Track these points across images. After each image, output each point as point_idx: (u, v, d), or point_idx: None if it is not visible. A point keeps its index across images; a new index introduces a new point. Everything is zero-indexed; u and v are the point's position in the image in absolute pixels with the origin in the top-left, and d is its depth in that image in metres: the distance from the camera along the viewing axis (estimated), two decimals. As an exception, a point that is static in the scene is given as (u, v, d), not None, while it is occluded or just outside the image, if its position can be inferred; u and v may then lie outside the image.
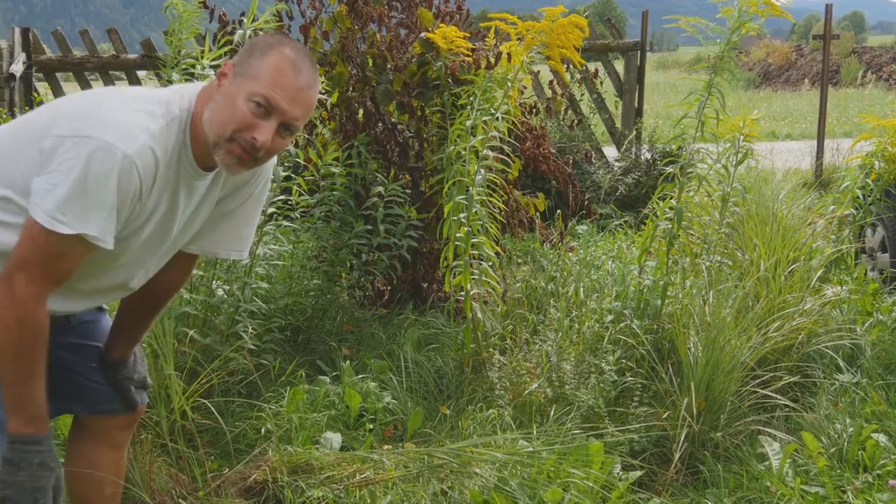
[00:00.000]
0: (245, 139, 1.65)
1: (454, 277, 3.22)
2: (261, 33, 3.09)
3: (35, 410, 1.65)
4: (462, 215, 3.13)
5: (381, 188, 3.71)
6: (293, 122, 1.68)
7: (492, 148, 3.22)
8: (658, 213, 3.36)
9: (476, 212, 3.14)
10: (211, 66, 3.02)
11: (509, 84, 3.21)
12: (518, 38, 3.31)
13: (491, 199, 3.26)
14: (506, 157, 3.43)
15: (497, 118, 3.17)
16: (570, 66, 7.22)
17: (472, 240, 3.14)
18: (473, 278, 3.19)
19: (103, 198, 1.57)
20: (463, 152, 3.15)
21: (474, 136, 3.15)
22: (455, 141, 3.19)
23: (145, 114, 1.64)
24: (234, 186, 1.88)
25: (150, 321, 2.02)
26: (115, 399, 1.98)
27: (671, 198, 3.31)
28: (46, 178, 1.57)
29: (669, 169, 3.39)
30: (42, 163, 1.60)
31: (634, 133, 7.17)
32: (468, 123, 3.18)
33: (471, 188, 3.14)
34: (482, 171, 3.17)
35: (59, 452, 2.07)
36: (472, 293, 3.18)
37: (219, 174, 1.81)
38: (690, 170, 3.31)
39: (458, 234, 3.14)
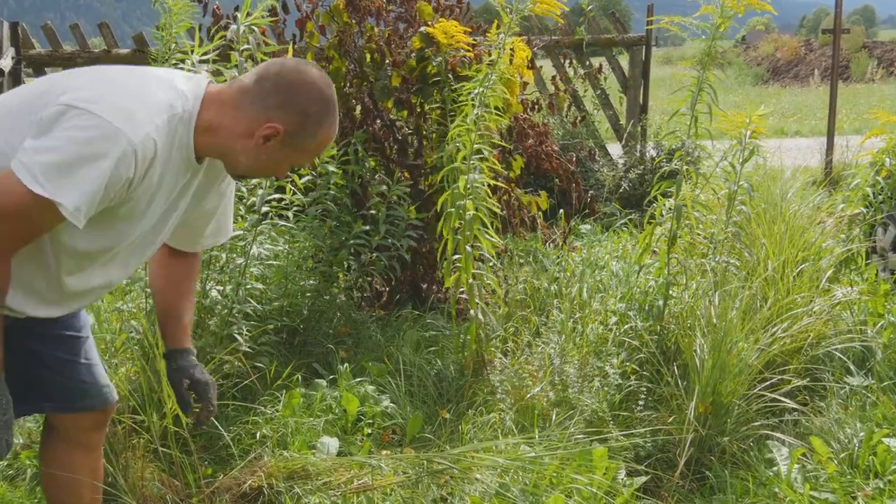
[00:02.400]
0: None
1: (453, 273, 3.22)
2: (255, 29, 3.09)
3: None
4: (460, 203, 3.12)
5: (383, 188, 3.71)
6: None
7: (487, 129, 3.19)
8: (657, 212, 3.35)
9: (470, 202, 3.12)
10: (202, 61, 3.01)
11: (497, 51, 3.16)
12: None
13: (486, 188, 3.22)
14: (503, 150, 3.42)
15: (484, 91, 3.12)
16: (573, 62, 7.24)
17: (470, 232, 3.12)
18: (476, 272, 3.19)
19: (91, 177, 1.57)
20: (457, 138, 3.14)
21: (466, 121, 3.13)
22: (454, 138, 3.19)
23: (154, 103, 1.66)
24: (209, 184, 1.92)
25: (187, 301, 2.10)
26: (85, 395, 1.99)
27: (671, 196, 3.31)
28: (42, 140, 1.57)
29: (665, 166, 3.39)
30: (39, 127, 1.59)
31: (639, 130, 7.17)
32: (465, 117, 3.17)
33: (467, 175, 3.12)
34: (477, 168, 3.15)
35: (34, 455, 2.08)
36: (472, 287, 3.17)
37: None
38: (688, 167, 3.30)
39: (455, 225, 3.12)
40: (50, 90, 1.65)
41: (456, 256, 3.20)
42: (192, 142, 1.73)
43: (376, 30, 3.98)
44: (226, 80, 2.01)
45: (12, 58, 6.74)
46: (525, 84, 4.02)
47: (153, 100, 1.67)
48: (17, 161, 1.57)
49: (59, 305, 1.83)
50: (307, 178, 3.53)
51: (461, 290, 3.29)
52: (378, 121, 4.07)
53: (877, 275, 4.17)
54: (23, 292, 1.74)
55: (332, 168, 3.59)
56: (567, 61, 7.10)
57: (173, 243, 2.03)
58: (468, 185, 3.12)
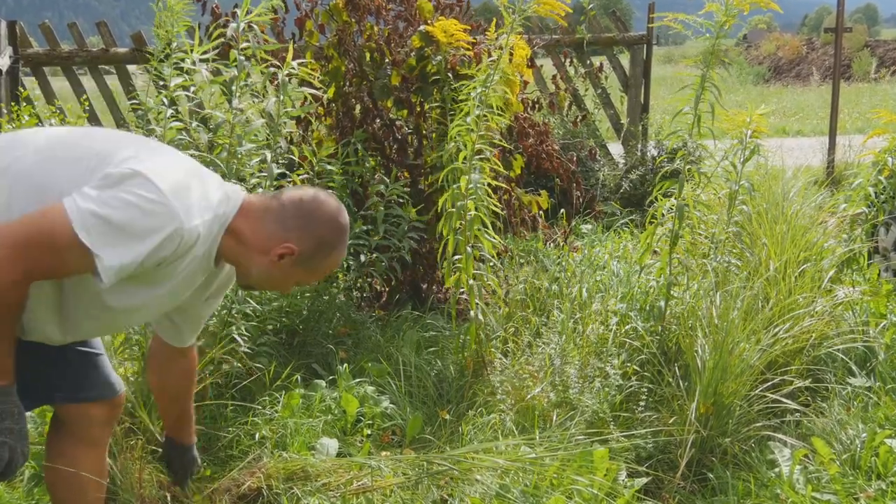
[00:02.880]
0: None
1: (453, 274, 3.22)
2: (255, 27, 3.09)
3: (3, 365, 1.72)
4: (460, 204, 3.12)
5: (381, 187, 3.71)
6: None
7: (487, 128, 3.20)
8: (658, 212, 3.35)
9: (471, 203, 3.12)
10: (201, 60, 3.01)
11: (492, 70, 3.17)
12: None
13: (487, 189, 3.23)
14: (503, 150, 3.42)
15: (485, 91, 3.12)
16: (574, 61, 7.24)
17: (470, 232, 3.13)
18: (475, 273, 3.19)
19: (136, 246, 1.64)
20: (458, 138, 3.13)
21: (466, 121, 3.13)
22: (454, 138, 3.19)
23: (209, 199, 1.78)
24: (208, 285, 2.03)
25: (188, 401, 2.30)
26: (94, 385, 2.04)
27: (672, 196, 3.31)
28: (104, 194, 1.63)
29: (667, 166, 3.39)
30: (103, 181, 1.65)
31: (640, 129, 7.17)
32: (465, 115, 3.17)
33: (468, 174, 3.12)
34: (476, 161, 3.15)
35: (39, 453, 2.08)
36: (472, 287, 3.17)
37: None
38: (690, 166, 3.30)
39: (456, 226, 3.12)
40: (120, 143, 1.76)
41: (456, 257, 3.20)
42: (218, 244, 1.84)
43: (376, 28, 3.98)
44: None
45: (10, 57, 6.74)
46: (525, 83, 4.01)
47: (209, 196, 1.78)
48: (73, 201, 1.62)
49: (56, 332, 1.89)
50: (306, 175, 3.54)
51: (461, 290, 3.29)
52: (378, 120, 4.06)
53: (879, 275, 4.16)
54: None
55: (331, 168, 3.59)
56: (568, 60, 7.10)
57: (165, 337, 2.17)
58: (469, 186, 3.12)
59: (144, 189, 1.64)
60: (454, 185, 3.15)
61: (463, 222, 3.13)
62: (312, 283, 1.86)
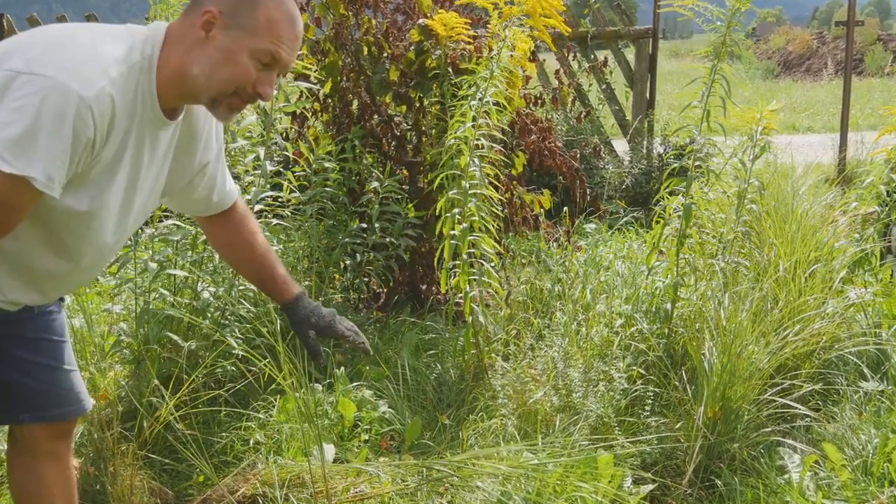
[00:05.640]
0: (249, 93, 1.73)
1: (452, 278, 3.22)
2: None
3: None
4: (457, 211, 3.13)
5: (376, 184, 3.71)
6: (288, 68, 1.78)
7: (489, 138, 3.21)
8: (666, 211, 3.35)
9: (472, 206, 3.13)
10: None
11: (494, 64, 3.18)
12: (497, 13, 3.30)
13: (488, 193, 3.24)
14: (499, 146, 3.42)
15: (486, 101, 3.13)
16: (578, 55, 7.25)
17: (470, 237, 3.13)
18: (473, 279, 3.19)
19: (53, 141, 1.53)
20: (455, 141, 3.14)
21: (464, 124, 3.13)
22: (453, 135, 3.19)
23: (107, 57, 1.63)
24: (186, 142, 1.89)
25: (267, 254, 2.13)
26: (62, 403, 1.97)
27: (680, 194, 3.31)
28: None
29: (675, 163, 3.38)
30: None
31: (646, 125, 7.17)
32: (467, 113, 3.17)
33: (465, 181, 3.12)
34: (475, 160, 3.15)
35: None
36: (471, 294, 3.18)
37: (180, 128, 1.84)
38: (699, 163, 3.30)
39: (452, 232, 3.13)
40: (4, 53, 1.60)
41: (455, 263, 3.20)
42: (156, 89, 1.70)
43: (373, 22, 3.99)
44: None
45: (-3, 51, 6.75)
46: (527, 78, 4.01)
47: (106, 51, 1.62)
48: None
49: (38, 289, 1.82)
50: (302, 173, 3.54)
51: (459, 294, 3.29)
52: (376, 116, 4.07)
53: (892, 276, 4.16)
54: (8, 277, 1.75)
55: (328, 165, 3.60)
56: (571, 55, 7.10)
57: (199, 213, 2.08)
58: (467, 188, 3.12)
59: (27, 82, 1.52)
60: (451, 192, 3.15)
61: (455, 232, 3.12)
62: (274, 50, 1.68)
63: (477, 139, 3.14)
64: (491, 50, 3.58)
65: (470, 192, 3.13)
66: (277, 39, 1.69)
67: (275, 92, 1.82)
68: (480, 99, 3.12)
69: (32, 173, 1.52)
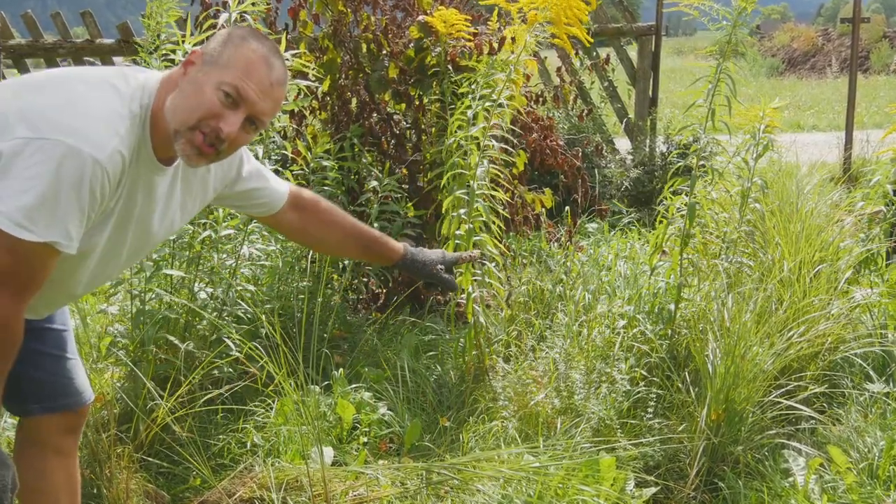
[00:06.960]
0: (210, 127, 1.70)
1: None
2: (247, 16, 3.10)
3: None
4: (462, 211, 3.13)
5: (375, 183, 3.71)
6: (260, 116, 1.75)
7: (495, 138, 3.22)
8: (669, 210, 3.35)
9: (478, 207, 3.14)
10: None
11: (512, 68, 3.20)
12: (521, 18, 3.30)
13: (494, 193, 3.26)
14: (510, 149, 3.43)
15: (500, 105, 3.16)
16: (580, 52, 7.24)
17: (474, 238, 3.14)
18: (475, 280, 3.19)
19: (72, 204, 1.59)
20: (463, 143, 3.15)
21: (475, 126, 3.15)
22: (455, 132, 3.19)
23: (111, 112, 1.66)
24: (203, 185, 1.95)
25: (355, 226, 2.28)
26: (66, 393, 2.02)
27: (684, 193, 3.31)
28: (9, 183, 1.56)
29: (679, 162, 3.38)
30: (2, 166, 1.57)
31: (649, 123, 7.17)
32: (469, 113, 3.17)
33: (472, 182, 3.13)
34: (485, 162, 3.17)
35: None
36: (473, 296, 3.18)
37: (184, 171, 1.87)
38: (703, 162, 3.30)
39: (457, 232, 3.13)
40: (5, 118, 1.62)
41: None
42: (150, 139, 1.73)
43: (373, 18, 3.99)
44: None
45: (-9, 48, 6.74)
46: (528, 76, 4.02)
47: (109, 107, 1.66)
48: None
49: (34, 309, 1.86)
50: (300, 172, 3.54)
51: (461, 294, 3.29)
52: (375, 114, 4.07)
53: (898, 276, 4.17)
54: None
55: (327, 163, 3.59)
56: (573, 52, 7.10)
57: (265, 214, 2.16)
58: (475, 189, 3.13)
59: (40, 150, 1.56)
60: (458, 192, 3.15)
61: (461, 232, 3.13)
62: (240, 85, 1.69)
63: (487, 139, 3.15)
64: (492, 48, 3.58)
65: (477, 192, 3.13)
66: (246, 76, 1.70)
67: (249, 139, 1.79)
68: (495, 101, 3.13)
69: (55, 238, 1.59)
